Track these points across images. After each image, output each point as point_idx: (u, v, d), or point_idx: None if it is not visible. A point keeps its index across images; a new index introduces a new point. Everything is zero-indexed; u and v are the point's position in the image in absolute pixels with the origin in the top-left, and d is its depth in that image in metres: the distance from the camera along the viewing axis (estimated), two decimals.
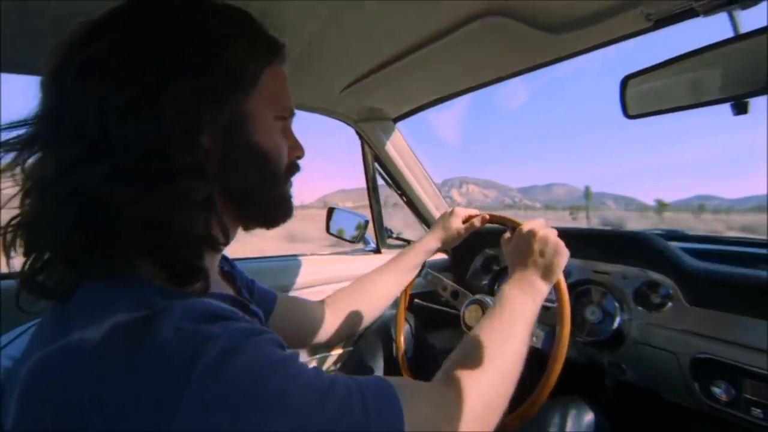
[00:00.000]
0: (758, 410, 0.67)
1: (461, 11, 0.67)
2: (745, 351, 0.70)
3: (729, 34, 0.57)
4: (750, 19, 0.57)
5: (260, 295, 0.68)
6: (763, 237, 1.06)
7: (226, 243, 0.44)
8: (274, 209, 0.48)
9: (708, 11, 0.57)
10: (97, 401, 0.27)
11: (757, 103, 0.56)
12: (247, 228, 0.49)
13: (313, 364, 1.11)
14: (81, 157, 0.33)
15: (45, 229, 0.34)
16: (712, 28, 0.58)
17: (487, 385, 0.47)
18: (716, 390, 0.72)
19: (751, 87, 0.54)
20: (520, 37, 0.71)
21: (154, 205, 0.34)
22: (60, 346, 0.30)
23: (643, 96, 0.71)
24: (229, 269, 0.60)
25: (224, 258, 0.60)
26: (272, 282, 1.02)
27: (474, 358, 0.49)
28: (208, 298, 0.36)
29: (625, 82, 0.71)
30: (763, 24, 0.53)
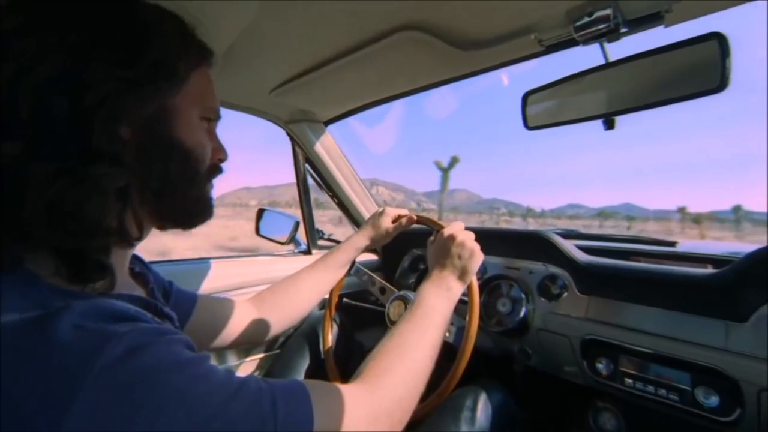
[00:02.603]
0: (630, 380, 0.79)
1: (382, 24, 0.71)
2: (621, 331, 0.81)
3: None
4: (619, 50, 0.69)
5: (179, 298, 0.65)
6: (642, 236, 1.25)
7: (140, 239, 0.43)
8: (192, 209, 0.47)
9: (585, 41, 0.67)
10: None
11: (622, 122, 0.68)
12: (162, 227, 0.47)
13: (239, 367, 1.08)
14: None
15: None
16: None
17: (399, 380, 0.49)
18: (599, 366, 0.84)
19: (615, 107, 0.65)
20: (436, 51, 0.77)
21: (65, 189, 0.32)
22: None
23: (540, 110, 0.81)
24: (142, 270, 0.56)
25: (137, 258, 0.57)
26: (198, 285, 0.98)
27: (388, 355, 0.52)
28: (113, 299, 0.34)
29: (525, 98, 0.80)
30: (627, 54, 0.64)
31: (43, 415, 0.25)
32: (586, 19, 0.63)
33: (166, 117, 0.41)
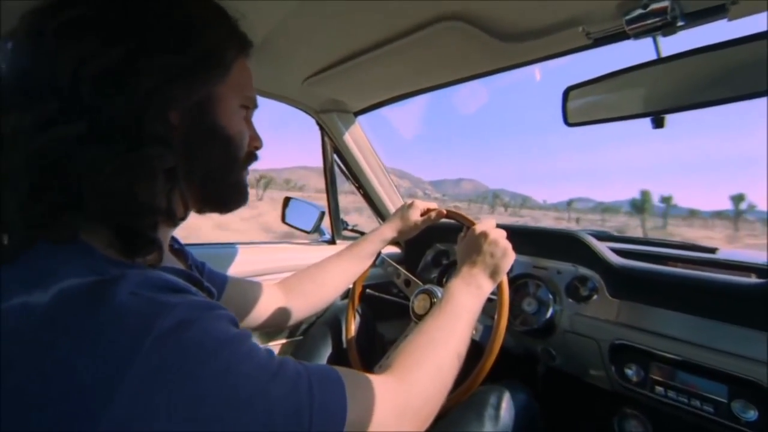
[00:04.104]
0: (661, 389, 0.77)
1: (423, 13, 0.70)
2: (654, 337, 0.79)
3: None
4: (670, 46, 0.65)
5: (211, 277, 0.67)
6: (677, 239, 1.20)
7: (184, 218, 0.45)
8: (230, 193, 0.49)
9: (637, 35, 0.64)
10: (41, 369, 0.26)
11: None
12: (200, 211, 0.49)
13: None
14: (54, 115, 0.33)
15: (6, 187, 0.33)
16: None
17: (428, 377, 0.49)
18: (628, 372, 0.82)
19: (666, 104, 0.62)
20: (476, 42, 0.75)
21: (119, 170, 0.34)
22: None
23: (582, 106, 0.78)
24: (180, 248, 0.59)
25: (173, 238, 0.59)
26: (224, 269, 1.00)
27: (417, 350, 0.52)
28: (162, 272, 0.36)
29: (566, 93, 0.77)
30: (679, 50, 0.61)
31: (92, 388, 0.26)
32: (640, 12, 0.60)
33: (211, 104, 0.43)
